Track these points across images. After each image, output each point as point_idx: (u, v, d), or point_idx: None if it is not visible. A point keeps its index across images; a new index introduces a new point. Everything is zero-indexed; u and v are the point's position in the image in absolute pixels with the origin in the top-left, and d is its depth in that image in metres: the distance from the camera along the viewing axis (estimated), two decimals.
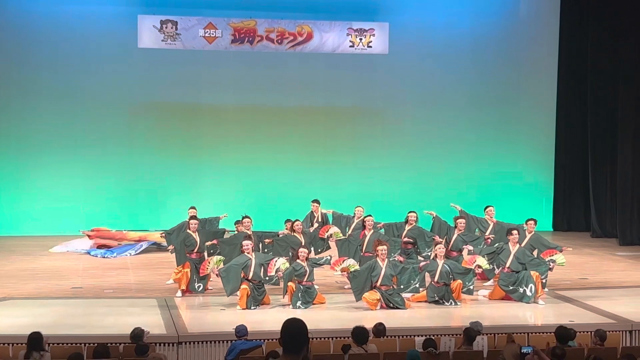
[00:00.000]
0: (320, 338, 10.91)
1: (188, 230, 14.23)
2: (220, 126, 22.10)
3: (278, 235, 14.63)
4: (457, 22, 22.70)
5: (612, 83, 21.45)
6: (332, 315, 12.59)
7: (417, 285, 13.60)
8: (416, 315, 12.84)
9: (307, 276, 13.04)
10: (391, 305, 12.86)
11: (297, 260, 13.21)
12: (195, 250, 14.06)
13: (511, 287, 13.56)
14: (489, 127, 22.98)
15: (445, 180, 22.41)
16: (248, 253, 13.10)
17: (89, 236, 18.92)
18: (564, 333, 10.01)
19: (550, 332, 10.74)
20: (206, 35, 21.12)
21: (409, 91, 22.76)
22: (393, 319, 12.02)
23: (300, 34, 21.60)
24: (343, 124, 22.65)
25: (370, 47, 21.83)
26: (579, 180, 22.92)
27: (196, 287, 14.06)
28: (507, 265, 13.66)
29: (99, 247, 18.56)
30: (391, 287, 12.97)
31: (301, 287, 12.99)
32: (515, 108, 23.20)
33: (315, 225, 15.87)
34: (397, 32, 22.03)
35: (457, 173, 22.57)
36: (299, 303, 12.91)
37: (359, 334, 9.85)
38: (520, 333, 11.28)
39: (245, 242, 13.25)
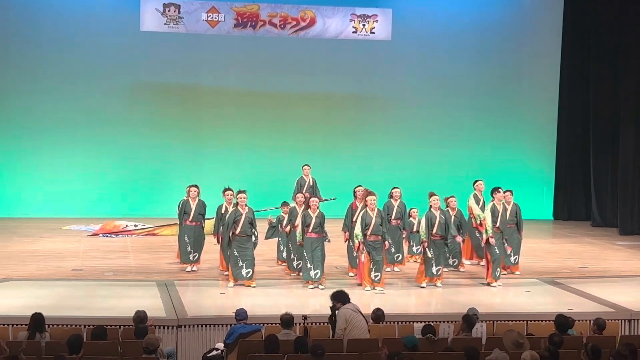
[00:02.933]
0: (319, 323, 10.92)
1: (187, 198, 14.63)
2: (221, 110, 22.10)
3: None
4: (460, 9, 22.64)
5: (615, 72, 21.39)
6: (330, 301, 12.59)
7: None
8: (415, 302, 12.88)
9: (312, 226, 13.39)
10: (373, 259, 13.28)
11: (308, 210, 13.59)
12: (190, 218, 14.48)
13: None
14: (491, 115, 22.95)
15: (446, 167, 22.38)
16: (241, 207, 13.43)
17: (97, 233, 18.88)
18: (563, 321, 10.03)
19: (549, 320, 10.76)
20: (209, 19, 21.07)
21: (411, 78, 22.72)
22: (392, 305, 12.06)
23: (303, 19, 21.55)
24: (344, 110, 22.64)
25: (373, 33, 21.77)
26: (580, 169, 22.91)
27: (191, 257, 14.44)
28: (508, 217, 14.38)
29: (107, 233, 18.66)
30: (380, 237, 13.31)
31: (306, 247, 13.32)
32: (518, 96, 23.18)
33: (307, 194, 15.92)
34: (400, 18, 21.96)
35: (457, 160, 22.53)
36: (312, 273, 13.28)
37: (339, 295, 10.19)
38: (519, 321, 11.30)
39: (240, 195, 13.57)
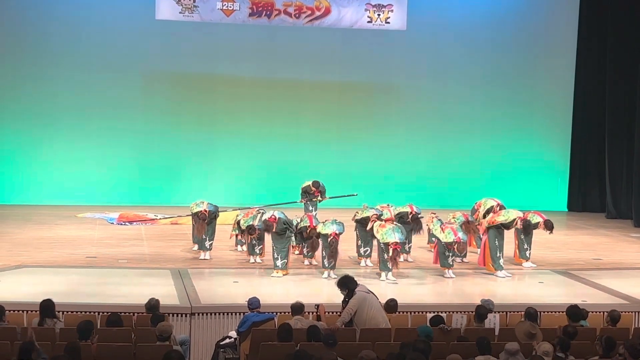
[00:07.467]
0: (333, 312, 10.93)
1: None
2: (236, 99, 22.08)
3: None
4: None
5: (631, 62, 21.25)
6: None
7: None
8: (428, 292, 12.88)
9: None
10: None
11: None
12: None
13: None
14: (506, 105, 22.88)
15: (460, 157, 22.36)
16: None
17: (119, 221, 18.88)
18: (575, 312, 10.01)
19: (562, 312, 10.73)
20: (224, 8, 21.07)
21: (426, 68, 22.66)
22: (405, 295, 12.05)
23: (318, 9, 21.52)
24: (359, 100, 22.60)
25: (388, 23, 21.73)
26: (595, 161, 22.82)
27: (207, 245, 14.57)
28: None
29: (126, 222, 18.67)
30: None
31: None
32: (533, 87, 23.07)
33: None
34: (416, 8, 21.91)
35: (472, 150, 22.49)
36: (325, 261, 13.38)
37: (345, 281, 10.22)
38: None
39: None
